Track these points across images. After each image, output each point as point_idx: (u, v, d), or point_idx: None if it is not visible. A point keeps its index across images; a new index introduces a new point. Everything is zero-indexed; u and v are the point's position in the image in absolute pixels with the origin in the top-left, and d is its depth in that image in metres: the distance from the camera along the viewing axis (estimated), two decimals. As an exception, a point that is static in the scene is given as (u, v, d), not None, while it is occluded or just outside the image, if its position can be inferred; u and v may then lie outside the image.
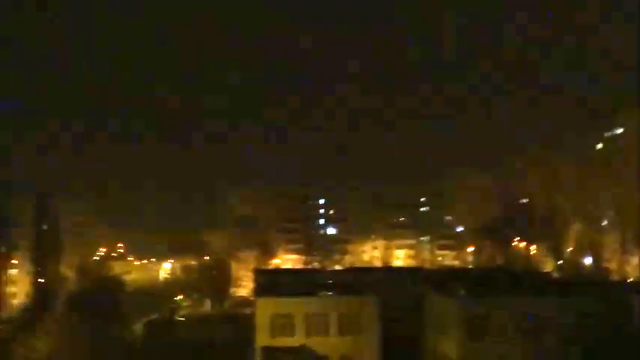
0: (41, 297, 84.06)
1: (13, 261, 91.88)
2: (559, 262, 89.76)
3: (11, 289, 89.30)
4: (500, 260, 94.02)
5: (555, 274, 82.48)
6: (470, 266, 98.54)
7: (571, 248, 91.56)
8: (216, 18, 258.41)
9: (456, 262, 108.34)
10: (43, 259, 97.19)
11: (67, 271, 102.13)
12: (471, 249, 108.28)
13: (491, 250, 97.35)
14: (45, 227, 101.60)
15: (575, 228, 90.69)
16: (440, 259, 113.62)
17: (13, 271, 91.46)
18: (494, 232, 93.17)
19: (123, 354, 46.11)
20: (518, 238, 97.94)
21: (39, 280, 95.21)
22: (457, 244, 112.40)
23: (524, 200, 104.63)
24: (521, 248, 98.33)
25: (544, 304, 39.01)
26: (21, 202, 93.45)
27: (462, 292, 42.64)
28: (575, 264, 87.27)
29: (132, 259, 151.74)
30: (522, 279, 51.38)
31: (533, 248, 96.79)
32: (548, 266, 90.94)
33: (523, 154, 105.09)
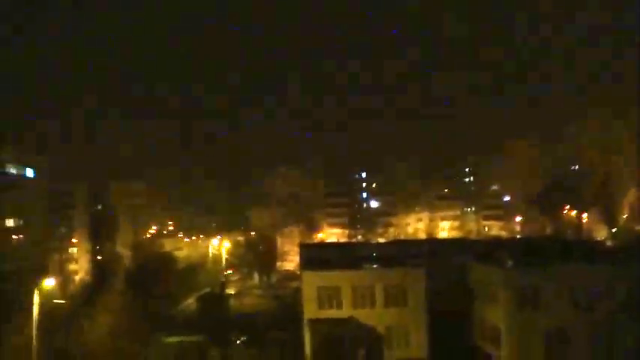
0: (100, 274, 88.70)
1: (73, 240, 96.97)
2: (613, 230, 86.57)
3: (73, 266, 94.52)
4: (550, 229, 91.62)
5: (609, 243, 79.69)
6: (518, 236, 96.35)
7: (626, 215, 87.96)
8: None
9: (503, 233, 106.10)
10: (99, 238, 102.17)
11: (123, 249, 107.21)
12: (518, 219, 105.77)
13: (541, 219, 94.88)
14: (99, 208, 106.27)
15: (631, 194, 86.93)
16: (486, 229, 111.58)
17: (74, 250, 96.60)
18: (544, 201, 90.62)
19: (178, 327, 48.22)
20: (569, 206, 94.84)
21: (97, 257, 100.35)
22: (504, 213, 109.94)
23: (576, 167, 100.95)
24: (572, 216, 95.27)
25: (596, 273, 37.86)
26: (78, 185, 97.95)
27: (510, 262, 41.95)
28: (630, 231, 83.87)
29: (182, 236, 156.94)
30: (573, 248, 49.95)
31: (585, 216, 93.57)
32: (601, 234, 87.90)
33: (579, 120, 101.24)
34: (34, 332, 36.68)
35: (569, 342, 36.55)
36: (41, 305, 38.54)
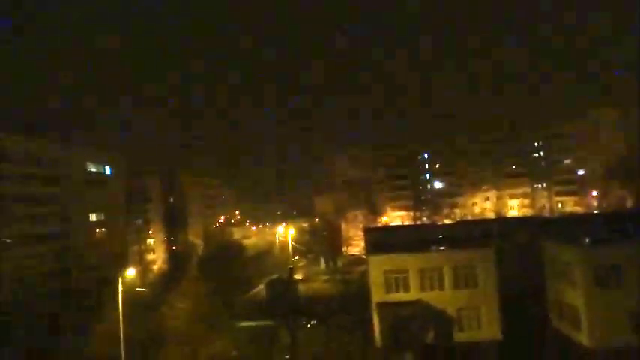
0: (175, 263, 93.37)
1: (149, 232, 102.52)
2: None
3: (151, 256, 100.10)
4: (630, 203, 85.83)
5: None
6: (595, 212, 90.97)
7: None
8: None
9: (578, 209, 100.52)
10: (173, 229, 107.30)
11: (195, 239, 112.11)
12: (594, 193, 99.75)
13: (619, 192, 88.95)
14: (172, 200, 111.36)
15: None
16: (559, 206, 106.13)
17: (151, 241, 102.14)
18: (622, 173, 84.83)
19: (249, 312, 49.90)
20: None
21: (172, 247, 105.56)
22: (578, 188, 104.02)
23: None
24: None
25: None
26: (151, 178, 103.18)
27: (587, 239, 39.77)
28: None
29: (249, 224, 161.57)
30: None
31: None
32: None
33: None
34: (120, 318, 39.27)
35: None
36: (124, 293, 41.18)
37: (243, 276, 66.13)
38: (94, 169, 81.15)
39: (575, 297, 36.70)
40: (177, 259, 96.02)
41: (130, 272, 53.70)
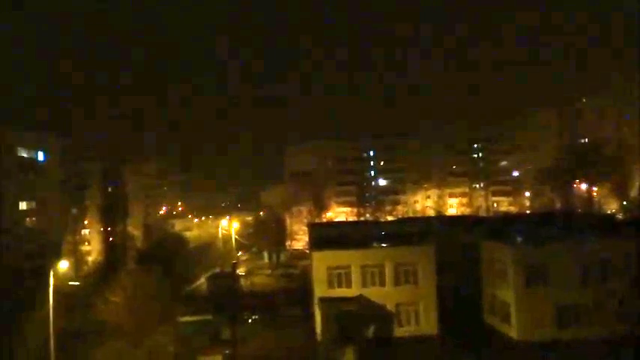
0: (112, 254, 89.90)
1: (85, 222, 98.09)
2: (624, 203, 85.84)
3: (86, 247, 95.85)
4: (560, 203, 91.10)
5: (619, 216, 79.13)
6: (527, 211, 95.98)
7: (636, 187, 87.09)
8: None
9: (512, 208, 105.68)
10: (111, 219, 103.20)
11: (134, 230, 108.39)
12: (528, 194, 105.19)
13: (551, 193, 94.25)
14: (110, 189, 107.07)
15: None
16: (495, 205, 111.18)
17: (86, 231, 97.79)
18: (554, 175, 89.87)
19: (190, 307, 48.90)
20: (579, 179, 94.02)
21: (109, 238, 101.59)
22: (513, 189, 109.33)
23: (585, 140, 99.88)
24: (582, 190, 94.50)
25: (607, 247, 37.65)
26: (91, 166, 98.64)
27: (519, 238, 41.87)
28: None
29: (191, 217, 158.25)
30: (584, 222, 49.66)
31: (595, 189, 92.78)
32: (612, 207, 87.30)
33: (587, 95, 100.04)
34: (51, 313, 37.35)
35: (579, 317, 36.62)
36: (56, 287, 39.14)
37: (183, 270, 64.61)
38: (24, 154, 76.22)
39: (507, 293, 38.58)
40: (114, 250, 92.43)
41: (63, 264, 51.02)
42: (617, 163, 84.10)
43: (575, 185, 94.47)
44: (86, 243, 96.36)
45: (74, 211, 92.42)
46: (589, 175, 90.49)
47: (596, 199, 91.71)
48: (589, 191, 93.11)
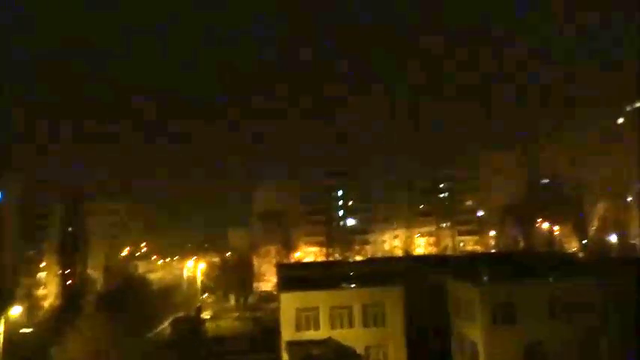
0: (70, 298, 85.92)
1: (42, 264, 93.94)
2: (583, 242, 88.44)
3: (41, 291, 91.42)
4: (523, 243, 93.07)
5: (580, 254, 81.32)
6: (492, 250, 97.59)
7: (595, 227, 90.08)
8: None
9: (478, 247, 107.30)
10: (70, 261, 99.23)
11: (94, 272, 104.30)
12: (492, 233, 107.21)
13: (514, 232, 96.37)
14: (70, 229, 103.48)
15: (600, 205, 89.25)
16: (461, 244, 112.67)
17: (42, 274, 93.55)
18: (516, 214, 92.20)
19: (152, 353, 46.89)
20: (541, 219, 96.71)
21: (67, 281, 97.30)
22: (478, 228, 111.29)
23: (546, 180, 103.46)
24: (544, 229, 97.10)
25: (571, 285, 38.36)
26: (49, 205, 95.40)
27: (485, 277, 42.25)
28: (599, 243, 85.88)
29: (155, 258, 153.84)
30: (547, 261, 50.70)
31: (556, 229, 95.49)
32: (572, 246, 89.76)
33: (546, 134, 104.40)
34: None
35: (547, 356, 36.82)
36: (6, 334, 36.98)
37: (146, 314, 62.22)
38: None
39: (475, 332, 38.56)
40: (72, 294, 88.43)
41: (15, 310, 48.42)
42: (576, 204, 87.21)
43: (537, 225, 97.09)
44: (42, 286, 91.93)
45: (31, 252, 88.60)
46: (550, 215, 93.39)
47: (558, 238, 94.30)
48: (550, 230, 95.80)
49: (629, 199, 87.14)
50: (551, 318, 37.14)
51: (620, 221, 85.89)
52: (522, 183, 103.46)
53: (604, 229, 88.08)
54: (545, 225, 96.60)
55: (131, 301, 64.51)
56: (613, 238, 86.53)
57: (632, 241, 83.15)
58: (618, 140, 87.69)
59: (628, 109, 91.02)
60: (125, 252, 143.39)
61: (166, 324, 64.18)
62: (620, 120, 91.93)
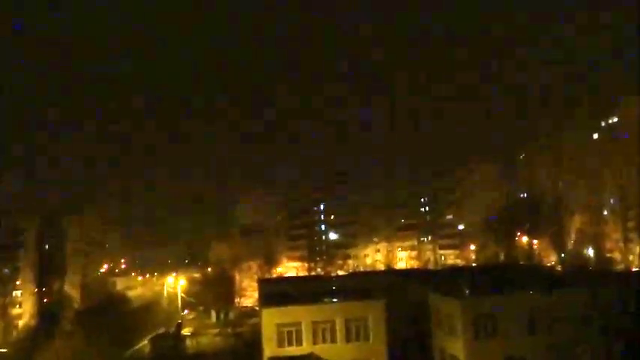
0: (46, 317, 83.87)
1: (17, 282, 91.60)
2: (562, 255, 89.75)
3: (17, 310, 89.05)
4: (503, 256, 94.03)
5: (558, 267, 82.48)
6: (473, 264, 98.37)
7: (573, 240, 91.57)
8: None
9: (459, 261, 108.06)
10: (47, 279, 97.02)
11: (72, 290, 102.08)
12: (473, 247, 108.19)
13: (494, 246, 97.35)
14: (47, 247, 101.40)
15: (577, 219, 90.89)
16: (442, 258, 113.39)
17: (18, 292, 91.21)
18: (496, 228, 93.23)
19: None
20: (520, 232, 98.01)
21: (43, 300, 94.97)
22: (459, 242, 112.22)
23: (525, 195, 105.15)
24: (523, 243, 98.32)
25: (551, 298, 38.82)
26: (25, 222, 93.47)
27: (466, 291, 42.59)
28: (577, 256, 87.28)
29: (135, 274, 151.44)
30: (527, 274, 51.36)
31: (535, 242, 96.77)
32: (551, 259, 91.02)
33: (523, 149, 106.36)
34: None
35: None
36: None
37: (125, 331, 61.11)
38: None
39: (456, 346, 38.72)
40: (48, 313, 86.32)
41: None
42: (554, 218, 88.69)
43: (516, 238, 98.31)
44: (17, 305, 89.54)
45: (5, 271, 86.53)
46: (529, 229, 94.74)
47: (537, 252, 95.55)
48: (530, 244, 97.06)
49: (605, 212, 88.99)
50: (531, 331, 37.54)
51: (597, 235, 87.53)
52: (502, 197, 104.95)
53: (581, 243, 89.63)
54: (525, 239, 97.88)
55: (109, 318, 63.39)
56: (590, 252, 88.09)
57: (608, 255, 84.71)
58: (594, 155, 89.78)
59: (603, 124, 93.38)
60: (104, 268, 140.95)
61: (146, 341, 62.96)
62: (595, 135, 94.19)
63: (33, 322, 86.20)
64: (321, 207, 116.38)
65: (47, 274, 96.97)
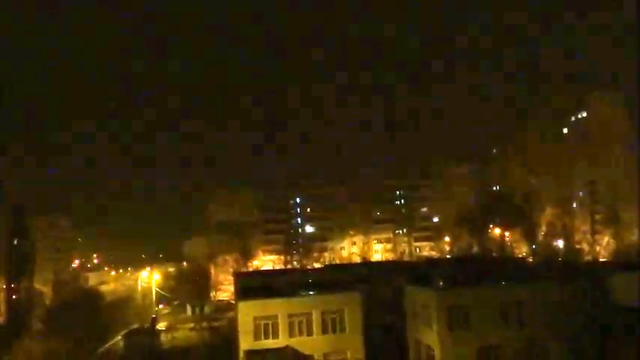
0: (15, 314, 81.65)
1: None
2: (533, 247, 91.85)
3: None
4: (476, 248, 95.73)
5: (530, 258, 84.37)
6: (447, 256, 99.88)
7: (544, 232, 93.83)
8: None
9: (434, 253, 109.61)
10: (15, 276, 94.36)
11: (42, 286, 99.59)
12: (447, 239, 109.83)
13: (468, 238, 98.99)
14: (16, 242, 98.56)
15: (548, 212, 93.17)
16: (417, 250, 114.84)
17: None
18: (470, 221, 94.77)
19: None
20: (493, 225, 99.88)
21: (12, 297, 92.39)
22: (434, 234, 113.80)
23: (498, 187, 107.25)
24: (496, 235, 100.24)
25: (523, 289, 39.56)
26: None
27: (440, 282, 43.16)
28: (548, 247, 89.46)
29: (107, 269, 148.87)
30: (499, 265, 52.32)
31: (507, 234, 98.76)
32: (523, 251, 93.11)
33: (497, 144, 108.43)
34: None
35: (500, 359, 37.84)
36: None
37: (97, 327, 59.96)
38: None
39: (431, 338, 39.27)
40: (17, 310, 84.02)
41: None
42: (525, 211, 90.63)
43: (489, 231, 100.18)
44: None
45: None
46: (501, 221, 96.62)
47: (509, 243, 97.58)
48: (502, 236, 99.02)
49: (574, 205, 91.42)
50: (504, 322, 38.22)
51: (566, 227, 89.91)
52: (475, 191, 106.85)
53: (551, 235, 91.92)
54: (497, 231, 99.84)
55: (81, 314, 62.06)
56: (560, 243, 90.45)
57: (577, 246, 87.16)
58: (563, 150, 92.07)
59: (572, 119, 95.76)
60: (75, 264, 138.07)
61: (119, 337, 62.01)
62: (565, 130, 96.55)
63: (1, 320, 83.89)
64: (297, 200, 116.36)
65: (16, 270, 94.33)
